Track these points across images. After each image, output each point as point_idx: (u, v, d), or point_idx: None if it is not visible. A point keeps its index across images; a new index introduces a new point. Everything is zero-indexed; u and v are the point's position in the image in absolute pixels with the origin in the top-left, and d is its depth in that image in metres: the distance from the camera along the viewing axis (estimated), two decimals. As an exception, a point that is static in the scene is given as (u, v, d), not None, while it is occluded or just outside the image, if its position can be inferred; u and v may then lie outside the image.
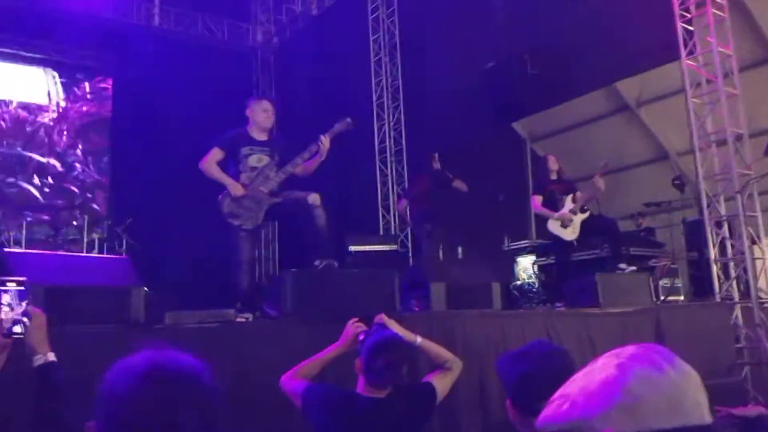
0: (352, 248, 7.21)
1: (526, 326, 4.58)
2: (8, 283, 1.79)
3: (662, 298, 6.22)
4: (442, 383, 2.59)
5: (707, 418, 0.79)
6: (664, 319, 5.17)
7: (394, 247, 7.45)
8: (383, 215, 9.78)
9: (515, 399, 1.55)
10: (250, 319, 3.96)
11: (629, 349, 0.84)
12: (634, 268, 5.82)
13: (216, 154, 4.49)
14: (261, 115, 4.56)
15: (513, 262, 7.95)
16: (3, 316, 1.75)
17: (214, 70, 11.09)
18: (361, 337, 2.56)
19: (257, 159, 4.49)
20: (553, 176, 6.17)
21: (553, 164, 6.19)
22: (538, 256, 7.54)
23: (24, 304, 1.78)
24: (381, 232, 9.53)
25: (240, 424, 3.21)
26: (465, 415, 3.95)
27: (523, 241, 8.00)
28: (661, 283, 6.40)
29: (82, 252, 7.33)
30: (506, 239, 8.28)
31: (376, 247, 7.21)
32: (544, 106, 8.19)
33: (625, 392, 0.77)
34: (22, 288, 1.80)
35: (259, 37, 12.59)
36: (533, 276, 7.56)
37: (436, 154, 7.06)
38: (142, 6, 11.25)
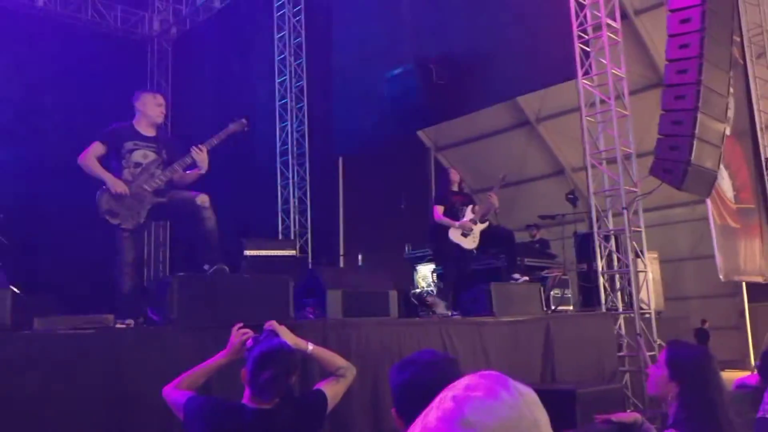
0: (248, 253, 7.04)
1: (422, 334, 4.65)
2: None
3: (553, 307, 6.52)
4: (333, 390, 2.56)
5: None
6: (554, 327, 5.42)
7: (292, 252, 7.34)
8: (283, 219, 9.63)
9: (399, 407, 1.52)
10: (132, 326, 3.77)
11: (464, 381, 0.85)
12: (527, 278, 6.06)
13: (97, 148, 4.26)
14: (155, 110, 4.42)
15: (413, 270, 8.05)
16: None
17: (104, 58, 10.61)
18: (249, 344, 2.50)
19: (142, 155, 4.30)
20: (454, 188, 6.36)
21: (454, 176, 6.41)
22: (437, 265, 7.67)
23: None
24: (280, 237, 9.37)
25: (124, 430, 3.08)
26: (357, 423, 3.96)
27: (423, 249, 8.12)
28: (552, 293, 6.70)
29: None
30: (407, 247, 8.38)
31: (273, 252, 7.07)
32: (449, 116, 8.37)
33: (462, 424, 0.77)
34: None
35: (155, 26, 12.07)
36: (432, 284, 7.69)
37: None
38: (25, -17, 10.50)
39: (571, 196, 7.25)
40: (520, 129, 9.88)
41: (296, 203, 9.59)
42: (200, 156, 4.31)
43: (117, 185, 4.13)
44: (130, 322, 3.79)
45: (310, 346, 2.69)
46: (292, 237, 9.26)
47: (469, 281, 6.28)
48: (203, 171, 4.39)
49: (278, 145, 9.76)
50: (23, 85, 9.81)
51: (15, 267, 6.45)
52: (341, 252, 10.03)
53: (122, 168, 4.23)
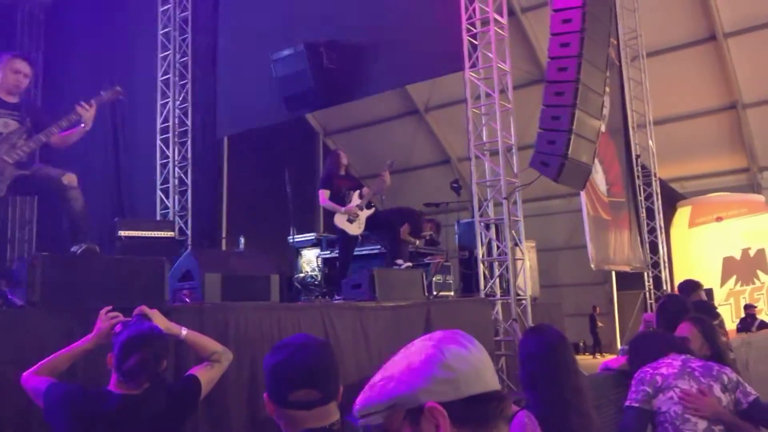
0: (122, 233, 6.65)
1: (303, 319, 4.59)
2: None
3: (435, 293, 6.66)
4: (207, 376, 2.48)
5: (497, 385, 0.98)
6: (434, 312, 5.51)
7: (170, 234, 7.00)
8: (162, 200, 9.17)
9: (269, 391, 1.51)
10: None
11: (438, 334, 0.99)
12: (410, 264, 6.14)
13: None
14: (11, 77, 4.04)
15: (297, 254, 7.96)
16: None
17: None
18: (117, 329, 2.36)
19: (3, 124, 3.98)
20: (342, 171, 6.26)
21: (344, 159, 6.28)
22: (322, 249, 7.63)
23: None
24: (158, 218, 8.93)
25: None
26: (233, 408, 3.86)
27: (308, 234, 8.04)
28: (434, 279, 6.84)
29: None
30: (292, 231, 8.26)
31: (149, 233, 6.72)
32: (338, 101, 8.30)
33: (444, 367, 0.92)
34: None
35: (26, -10, 11.08)
36: (316, 269, 7.64)
37: None
38: None
39: (455, 185, 7.42)
40: (409, 117, 9.99)
41: (176, 183, 9.16)
42: (88, 113, 4.05)
43: None
44: None
45: (184, 331, 2.55)
46: (171, 218, 8.86)
47: (353, 266, 6.30)
48: (87, 128, 4.10)
49: (159, 121, 9.24)
50: None
51: None
52: (223, 235, 9.74)
53: None
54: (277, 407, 1.51)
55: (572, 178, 5.85)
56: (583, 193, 7.26)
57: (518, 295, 6.07)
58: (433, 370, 0.92)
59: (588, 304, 10.57)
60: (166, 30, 9.35)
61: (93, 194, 7.86)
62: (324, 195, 6.07)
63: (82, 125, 4.07)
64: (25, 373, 2.36)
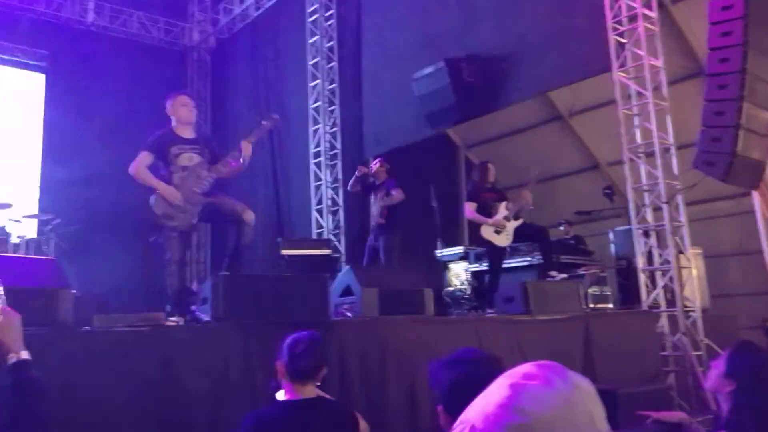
0: (285, 252, 6.99)
1: (457, 333, 4.54)
2: None
3: (591, 305, 6.28)
4: (363, 424, 2.54)
5: (601, 428, 0.80)
6: (593, 326, 5.19)
7: (326, 251, 7.26)
8: (317, 220, 9.57)
9: (446, 405, 1.49)
10: (181, 323, 3.82)
11: (523, 368, 0.85)
12: (564, 275, 5.85)
13: (145, 158, 4.30)
14: (182, 111, 4.41)
15: (445, 268, 7.90)
16: None
17: (149, 68, 10.83)
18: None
19: (188, 158, 4.33)
20: (488, 184, 6.10)
21: (491, 172, 6.14)
22: (470, 263, 7.51)
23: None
24: (315, 237, 9.31)
25: (176, 425, 3.08)
26: (394, 420, 3.88)
27: (455, 248, 7.96)
28: (589, 291, 6.47)
29: (7, 252, 6.91)
30: (439, 245, 8.23)
31: (308, 251, 7.01)
32: (479, 113, 8.19)
33: (517, 412, 0.78)
34: None
35: (195, 36, 12.19)
36: (465, 282, 7.53)
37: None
38: (75, 1, 10.71)
39: (607, 191, 6.97)
40: (552, 124, 9.60)
41: (329, 204, 9.52)
42: (248, 150, 4.38)
43: (172, 195, 4.20)
44: (179, 319, 3.83)
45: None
46: (326, 237, 9.20)
47: (503, 279, 6.12)
48: (245, 163, 4.42)
49: (311, 146, 9.68)
50: (75, 97, 10.08)
51: (73, 269, 6.57)
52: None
53: (171, 173, 4.29)
54: (454, 421, 1.48)
55: (742, 177, 5.25)
56: (755, 193, 6.52)
57: (686, 306, 5.54)
58: (505, 416, 0.79)
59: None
60: (315, 60, 9.78)
61: (257, 216, 8.40)
62: (470, 208, 5.95)
63: (240, 164, 4.41)
64: None
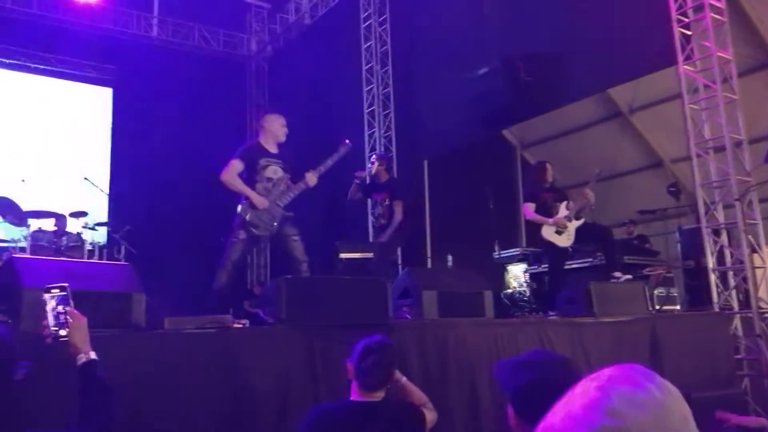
0: (343, 256, 7.02)
1: (519, 335, 4.44)
2: (52, 290, 1.93)
3: (657, 307, 6.06)
4: (429, 415, 2.59)
5: None
6: (660, 328, 4.99)
7: (384, 254, 7.24)
8: (373, 223, 9.58)
9: (518, 407, 1.47)
10: (247, 325, 3.90)
11: (607, 372, 0.82)
12: (629, 276, 5.65)
13: (236, 165, 4.56)
14: (280, 130, 4.72)
15: (503, 270, 7.79)
16: (49, 321, 1.88)
17: (210, 79, 11.14)
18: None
19: (273, 171, 4.64)
20: (546, 184, 5.95)
21: (549, 171, 5.99)
22: (529, 264, 7.37)
23: (66, 308, 1.92)
24: (371, 240, 9.33)
25: (239, 426, 3.13)
26: (457, 422, 3.83)
27: (513, 249, 7.83)
28: (655, 292, 6.23)
29: (83, 258, 7.26)
30: (496, 247, 8.12)
31: (366, 254, 7.02)
32: (535, 113, 8.04)
33: (610, 414, 0.73)
34: (65, 293, 1.93)
35: (253, 46, 12.48)
36: (524, 284, 7.40)
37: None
38: (141, 17, 11.15)
39: (672, 189, 6.71)
40: (612, 121, 9.33)
41: (385, 207, 9.53)
42: (314, 180, 4.79)
43: (262, 202, 4.50)
44: (245, 321, 3.93)
45: (403, 378, 2.69)
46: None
47: (565, 280, 5.98)
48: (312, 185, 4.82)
49: (367, 151, 9.74)
50: (140, 108, 10.49)
51: (142, 273, 6.80)
52: (428, 254, 9.89)
53: (255, 182, 4.58)
54: (526, 423, 1.46)
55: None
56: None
57: (761, 308, 5.26)
58: (597, 418, 0.74)
59: None
60: (369, 65, 9.84)
61: (315, 219, 8.49)
62: (529, 208, 5.81)
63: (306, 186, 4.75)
64: None
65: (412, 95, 9.22)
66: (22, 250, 6.85)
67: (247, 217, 4.50)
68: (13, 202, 7.53)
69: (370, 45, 9.83)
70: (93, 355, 1.93)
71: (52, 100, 10.74)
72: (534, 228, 5.94)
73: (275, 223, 4.59)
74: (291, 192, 4.69)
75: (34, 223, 7.24)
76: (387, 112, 9.62)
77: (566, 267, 6.09)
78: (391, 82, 9.61)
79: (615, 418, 0.73)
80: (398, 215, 6.07)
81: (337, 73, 10.41)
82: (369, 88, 9.78)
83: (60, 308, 1.92)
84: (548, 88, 7.26)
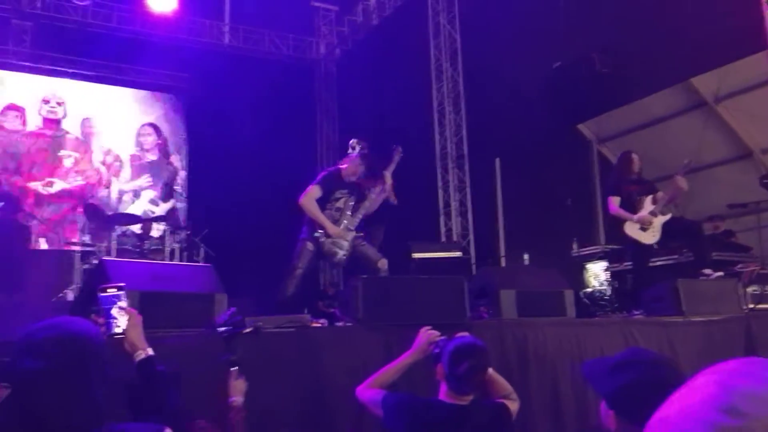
0: (416, 256, 7.00)
1: (603, 335, 4.33)
2: (108, 290, 2.03)
3: (751, 306, 5.72)
4: (513, 406, 2.56)
5: None
6: (756, 328, 4.75)
7: (458, 254, 7.18)
8: (445, 222, 9.55)
9: (620, 408, 1.44)
10: (325, 325, 4.02)
11: (730, 365, 0.75)
12: (720, 273, 5.37)
13: (315, 192, 4.76)
14: (359, 169, 4.92)
15: (581, 268, 7.56)
16: (106, 319, 1.97)
17: (279, 83, 11.36)
18: (436, 348, 2.51)
19: (344, 201, 4.86)
20: (632, 176, 5.64)
21: (635, 162, 5.65)
22: (610, 262, 7.13)
23: (123, 306, 2.01)
24: (443, 239, 9.30)
25: (319, 425, 3.22)
26: (539, 425, 3.77)
27: (593, 247, 7.59)
28: (748, 290, 5.89)
29: (165, 260, 7.60)
30: (574, 245, 7.89)
31: (439, 254, 6.98)
32: (613, 106, 7.78)
33: (729, 412, 0.67)
34: (121, 293, 2.03)
35: (322, 49, 12.67)
36: (604, 283, 7.16)
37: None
38: (213, 26, 11.54)
39: (766, 181, 6.34)
40: (695, 112, 8.90)
41: (457, 206, 9.48)
42: (389, 180, 4.99)
43: (337, 232, 4.71)
44: (324, 321, 4.05)
45: (490, 370, 2.58)
46: (455, 239, 9.16)
47: (650, 278, 5.73)
48: (389, 191, 5.02)
49: (437, 149, 9.70)
50: (214, 114, 10.87)
51: (220, 274, 7.05)
52: (502, 253, 9.76)
53: (324, 209, 4.78)
54: (628, 423, 1.43)
55: None
56: None
57: None
58: (713, 416, 0.68)
59: None
60: (439, 63, 9.80)
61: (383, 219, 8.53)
62: (614, 202, 5.55)
63: (386, 191, 5.00)
64: (359, 387, 2.63)
65: (483, 92, 9.11)
66: (108, 254, 7.19)
67: (325, 248, 4.70)
68: (100, 208, 7.94)
69: (438, 42, 9.80)
70: (150, 351, 2.00)
71: (132, 109, 11.28)
72: (615, 224, 5.73)
73: (348, 248, 4.79)
74: (359, 214, 4.87)
75: (119, 228, 7.59)
76: (457, 109, 9.55)
77: (651, 264, 5.85)
78: (461, 79, 9.54)
79: (734, 417, 0.67)
80: (388, 180, 5.13)
81: (406, 73, 10.42)
82: (438, 86, 9.75)
83: (117, 307, 2.01)
84: (626, 80, 7.03)
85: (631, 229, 5.44)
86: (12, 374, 1.44)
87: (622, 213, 5.46)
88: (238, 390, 2.45)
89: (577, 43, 7.27)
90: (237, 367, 2.50)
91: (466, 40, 9.51)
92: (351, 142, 5.32)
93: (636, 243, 5.48)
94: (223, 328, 2.44)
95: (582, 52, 7.17)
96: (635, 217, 5.40)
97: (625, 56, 6.92)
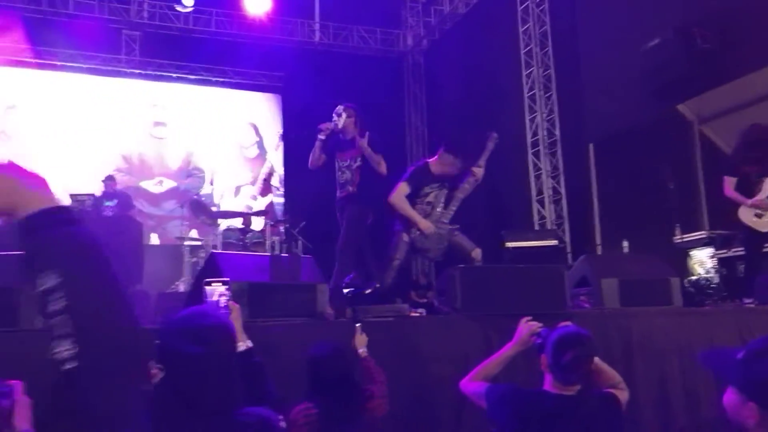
0: (510, 245, 6.89)
1: (713, 325, 4.14)
2: (213, 283, 2.13)
3: None
4: (622, 395, 2.48)
5: None
6: None
7: (553, 242, 7.02)
8: (538, 210, 9.34)
9: (763, 399, 1.33)
10: (424, 314, 4.05)
11: None
12: None
13: (404, 189, 4.73)
14: (450, 168, 4.82)
15: (685, 255, 7.19)
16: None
17: (369, 77, 11.46)
18: (538, 338, 2.47)
19: (434, 196, 4.80)
20: (756, 153, 4.97)
21: (753, 134, 4.98)
22: (716, 249, 6.73)
23: (226, 299, 2.11)
24: (536, 227, 9.10)
25: (420, 413, 3.27)
26: (645, 416, 3.71)
27: (698, 233, 7.19)
28: None
29: (266, 253, 7.92)
30: (677, 231, 7.50)
31: (534, 243, 6.84)
32: (715, 84, 7.30)
33: None
34: (226, 286, 2.13)
35: (409, 41, 12.69)
36: (711, 270, 6.77)
37: None
38: (304, 24, 11.83)
39: None
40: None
41: (550, 193, 9.24)
42: (479, 173, 4.89)
43: (428, 227, 4.65)
44: (422, 310, 4.10)
45: (595, 359, 2.51)
46: (548, 227, 8.94)
47: (763, 265, 5.34)
48: (479, 182, 4.93)
49: (529, 136, 9.47)
50: (307, 111, 11.14)
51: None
52: (598, 241, 9.42)
53: (415, 204, 4.73)
54: None
55: None
56: None
57: None
58: None
59: None
60: (528, 48, 9.57)
61: (474, 208, 8.46)
62: (729, 184, 5.04)
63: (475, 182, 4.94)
64: (462, 381, 2.62)
65: (575, 75, 8.82)
66: (214, 247, 7.55)
67: (418, 244, 4.66)
68: (205, 204, 8.34)
69: (528, 27, 9.56)
70: (249, 343, 2.11)
71: (231, 109, 11.79)
72: (720, 208, 5.35)
73: (445, 243, 4.72)
74: (453, 207, 4.81)
75: (223, 223, 7.96)
76: (549, 94, 9.31)
77: (765, 250, 5.45)
78: (551, 63, 9.28)
79: None
80: (383, 169, 5.00)
81: (495, 60, 10.25)
82: (529, 71, 9.52)
83: (221, 300, 2.11)
84: (729, 56, 6.60)
85: (745, 215, 5.04)
86: (169, 357, 1.52)
87: (736, 196, 5.02)
88: (361, 343, 2.86)
89: (675, 18, 6.89)
90: (360, 324, 2.87)
91: (555, 23, 9.23)
92: (337, 108, 5.41)
93: (749, 230, 5.09)
94: (347, 289, 2.81)
95: (681, 28, 6.77)
96: (749, 202, 5.00)
97: (728, 31, 6.47)
